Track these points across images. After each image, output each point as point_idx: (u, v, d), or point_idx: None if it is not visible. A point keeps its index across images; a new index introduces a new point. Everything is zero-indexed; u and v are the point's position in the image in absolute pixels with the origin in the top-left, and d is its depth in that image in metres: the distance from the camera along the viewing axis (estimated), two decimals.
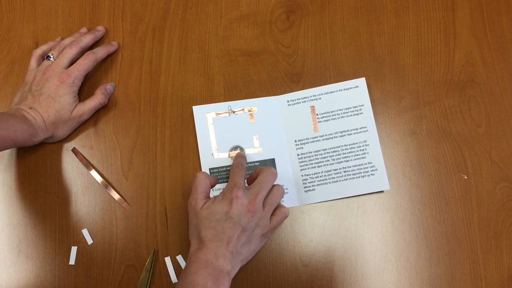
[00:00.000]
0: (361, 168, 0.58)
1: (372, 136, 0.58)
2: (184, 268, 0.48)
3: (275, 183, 0.52)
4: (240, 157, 0.55)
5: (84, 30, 0.63)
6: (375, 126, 0.59)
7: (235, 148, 0.58)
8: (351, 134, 0.59)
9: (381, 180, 0.57)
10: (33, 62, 0.60)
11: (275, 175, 0.52)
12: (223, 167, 0.59)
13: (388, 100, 0.60)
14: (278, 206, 0.53)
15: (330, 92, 0.60)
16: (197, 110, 0.60)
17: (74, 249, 0.57)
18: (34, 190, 0.59)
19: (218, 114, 0.60)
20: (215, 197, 0.51)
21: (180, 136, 0.60)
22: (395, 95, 0.60)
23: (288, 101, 0.60)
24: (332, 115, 0.59)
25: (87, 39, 0.60)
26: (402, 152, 0.59)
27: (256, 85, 0.61)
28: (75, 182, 0.59)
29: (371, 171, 0.58)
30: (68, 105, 0.57)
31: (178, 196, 0.58)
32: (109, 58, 0.63)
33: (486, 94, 0.60)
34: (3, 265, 0.57)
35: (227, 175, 0.58)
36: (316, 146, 0.59)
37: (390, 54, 0.62)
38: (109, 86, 0.61)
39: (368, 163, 0.58)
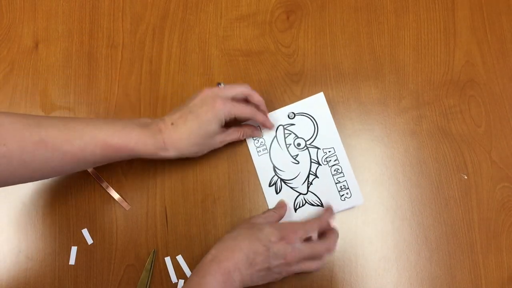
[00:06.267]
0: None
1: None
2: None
3: (317, 262, 0.52)
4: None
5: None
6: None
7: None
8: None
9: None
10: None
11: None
12: None
13: (388, 100, 0.60)
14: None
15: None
16: None
17: (74, 249, 0.57)
18: (34, 190, 0.59)
19: None
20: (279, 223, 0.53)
21: None
22: (395, 95, 0.60)
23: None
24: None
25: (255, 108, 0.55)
26: (402, 152, 0.59)
27: (256, 85, 0.61)
28: (75, 182, 0.59)
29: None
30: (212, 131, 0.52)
31: (178, 196, 0.58)
32: (109, 58, 0.63)
33: (486, 94, 0.60)
34: (3, 265, 0.57)
35: None
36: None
37: (390, 54, 0.62)
38: (258, 132, 0.59)
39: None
